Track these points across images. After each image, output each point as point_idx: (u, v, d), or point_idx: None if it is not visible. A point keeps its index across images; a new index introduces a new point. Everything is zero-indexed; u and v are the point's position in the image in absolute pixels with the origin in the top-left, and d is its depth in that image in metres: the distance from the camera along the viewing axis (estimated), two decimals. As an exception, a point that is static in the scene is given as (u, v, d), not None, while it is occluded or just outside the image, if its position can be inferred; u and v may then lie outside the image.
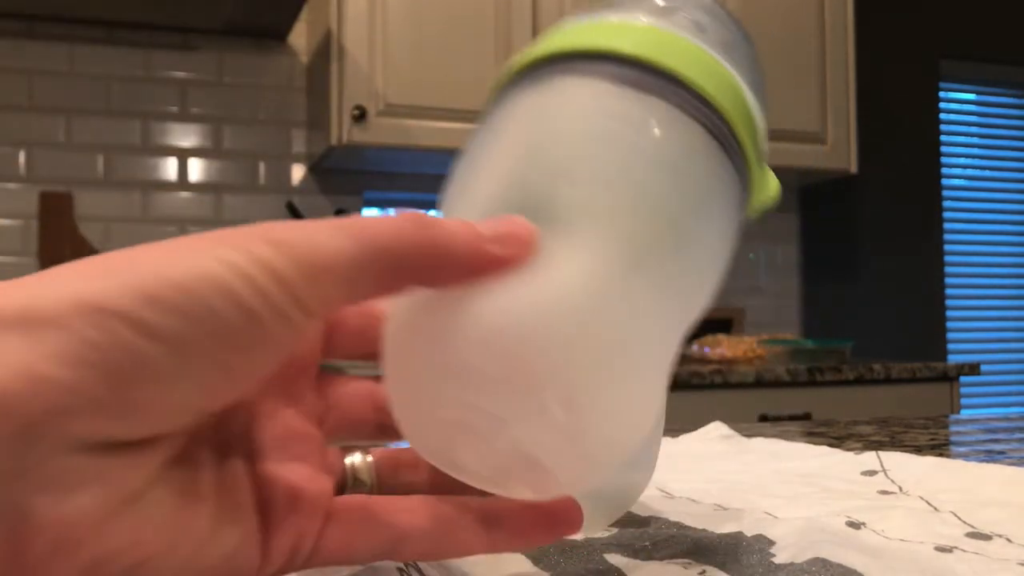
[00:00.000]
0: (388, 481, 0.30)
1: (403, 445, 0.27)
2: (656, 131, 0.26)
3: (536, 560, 0.34)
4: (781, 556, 0.34)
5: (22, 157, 2.08)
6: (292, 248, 0.20)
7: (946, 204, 3.05)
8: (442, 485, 0.28)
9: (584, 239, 0.23)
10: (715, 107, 0.27)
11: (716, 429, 0.69)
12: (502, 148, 0.26)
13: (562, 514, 0.28)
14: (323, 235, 0.21)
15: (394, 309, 0.24)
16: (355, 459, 0.30)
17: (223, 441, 0.24)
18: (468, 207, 0.26)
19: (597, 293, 0.23)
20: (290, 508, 0.24)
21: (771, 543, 0.36)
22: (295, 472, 0.25)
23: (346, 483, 0.29)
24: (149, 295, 0.18)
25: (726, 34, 0.31)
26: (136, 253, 0.20)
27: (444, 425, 0.24)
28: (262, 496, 0.24)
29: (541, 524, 0.27)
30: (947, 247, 3.04)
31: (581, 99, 0.26)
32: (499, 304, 0.22)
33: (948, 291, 3.03)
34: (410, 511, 0.26)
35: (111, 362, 0.18)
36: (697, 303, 0.27)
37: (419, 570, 0.30)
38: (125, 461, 0.19)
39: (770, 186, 0.31)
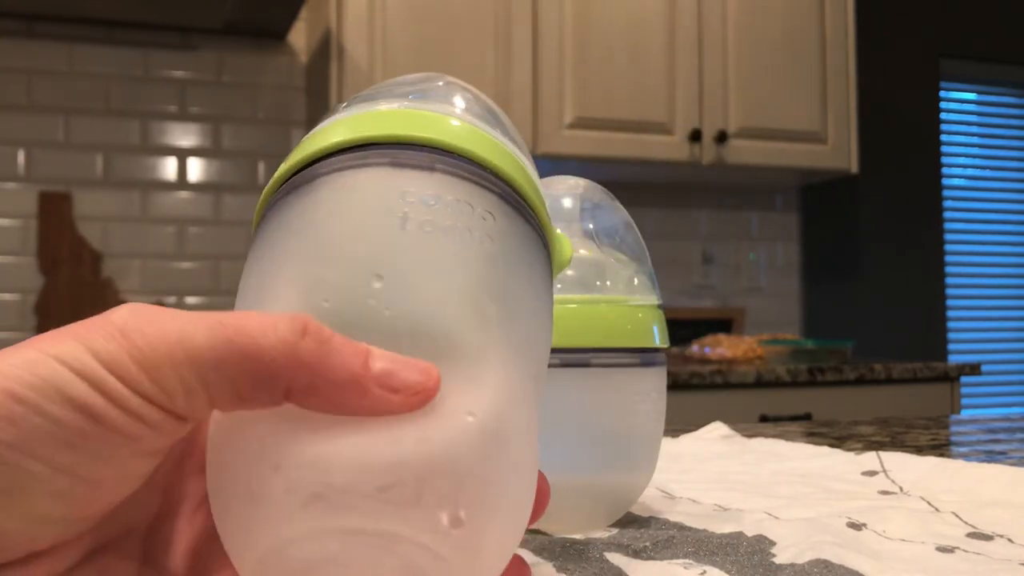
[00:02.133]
0: None
1: None
2: (482, 216, 0.24)
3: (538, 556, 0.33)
4: (782, 557, 0.34)
5: (21, 157, 2.08)
6: (137, 339, 0.19)
7: (946, 204, 3.05)
8: None
9: (465, 363, 0.21)
10: (508, 182, 0.26)
11: (716, 429, 0.69)
12: (302, 256, 0.23)
13: None
14: (185, 328, 0.19)
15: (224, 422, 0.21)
16: None
17: (145, 549, 0.23)
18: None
19: (502, 423, 0.21)
20: None
21: (772, 543, 0.36)
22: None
23: None
24: None
25: (480, 108, 0.29)
26: None
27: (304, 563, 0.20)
28: None
29: None
30: (947, 247, 3.04)
31: (373, 192, 0.24)
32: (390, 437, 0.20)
33: (948, 291, 3.03)
34: None
35: None
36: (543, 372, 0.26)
37: None
38: None
39: (565, 248, 0.29)
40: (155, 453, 0.20)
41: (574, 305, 0.38)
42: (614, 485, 0.40)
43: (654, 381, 0.40)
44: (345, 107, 0.28)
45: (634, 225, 0.42)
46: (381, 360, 0.20)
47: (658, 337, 0.40)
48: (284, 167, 0.25)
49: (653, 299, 0.41)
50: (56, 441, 0.18)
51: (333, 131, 0.25)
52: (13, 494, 0.18)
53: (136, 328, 0.19)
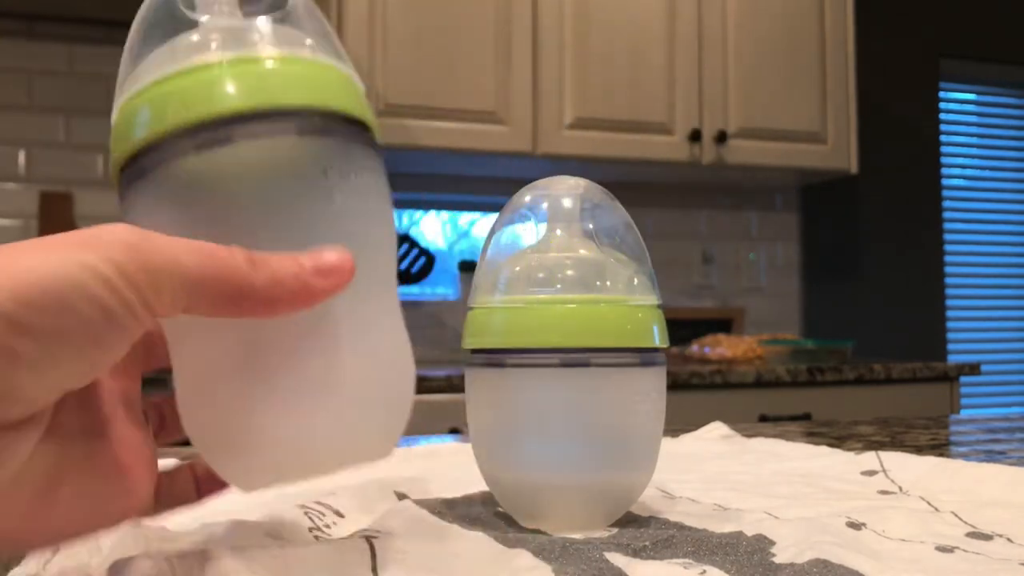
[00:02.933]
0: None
1: None
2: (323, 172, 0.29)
3: (536, 556, 0.33)
4: (781, 556, 0.34)
5: (22, 157, 2.08)
6: (144, 254, 0.24)
7: (946, 204, 3.05)
8: None
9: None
10: (331, 112, 0.29)
11: (716, 429, 0.69)
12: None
13: None
14: (177, 249, 0.25)
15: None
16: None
17: (85, 415, 0.28)
18: None
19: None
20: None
21: (771, 543, 0.36)
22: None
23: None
24: (24, 299, 0.22)
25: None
26: (10, 253, 0.23)
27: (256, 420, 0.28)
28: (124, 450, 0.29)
29: None
30: (947, 247, 3.04)
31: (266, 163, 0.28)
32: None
33: (948, 291, 3.03)
34: None
35: None
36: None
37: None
38: (7, 441, 0.23)
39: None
40: (132, 342, 0.25)
41: (574, 305, 0.38)
42: (614, 485, 0.40)
43: (654, 381, 0.40)
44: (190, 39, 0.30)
45: (634, 225, 0.42)
46: (304, 257, 0.27)
47: (658, 337, 0.40)
48: (182, 118, 0.28)
49: (653, 299, 0.41)
50: (81, 333, 0.23)
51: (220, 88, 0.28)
52: (45, 370, 0.23)
53: (140, 246, 0.24)
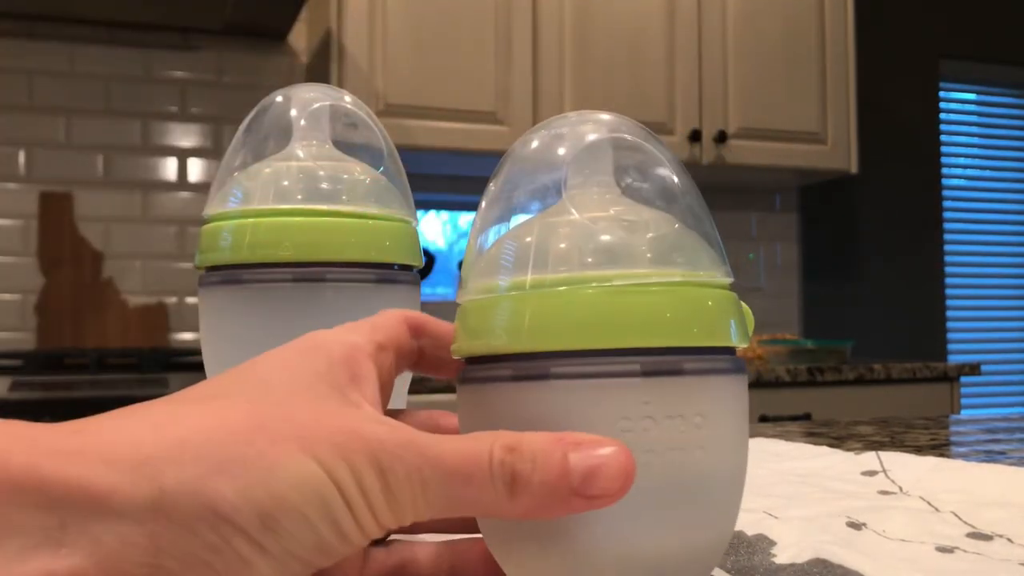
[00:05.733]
0: None
1: None
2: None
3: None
4: (782, 556, 0.34)
5: (22, 157, 2.08)
6: (391, 479, 0.22)
7: (946, 204, 3.05)
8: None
9: None
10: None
11: (716, 429, 0.69)
12: None
13: None
14: (423, 471, 0.22)
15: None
16: None
17: None
18: None
19: None
20: None
21: (772, 543, 0.36)
22: None
23: None
24: (269, 516, 0.21)
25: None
26: (246, 441, 0.21)
27: None
28: None
29: None
30: (947, 247, 3.04)
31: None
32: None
33: (948, 291, 3.03)
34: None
35: (221, 564, 0.20)
36: None
37: None
38: None
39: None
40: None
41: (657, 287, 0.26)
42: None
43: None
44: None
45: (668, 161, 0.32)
46: (576, 455, 0.23)
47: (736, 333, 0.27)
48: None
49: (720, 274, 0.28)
50: (314, 547, 0.21)
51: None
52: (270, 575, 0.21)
53: (391, 467, 0.22)
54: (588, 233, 0.27)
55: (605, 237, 0.27)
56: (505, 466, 0.22)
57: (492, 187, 0.29)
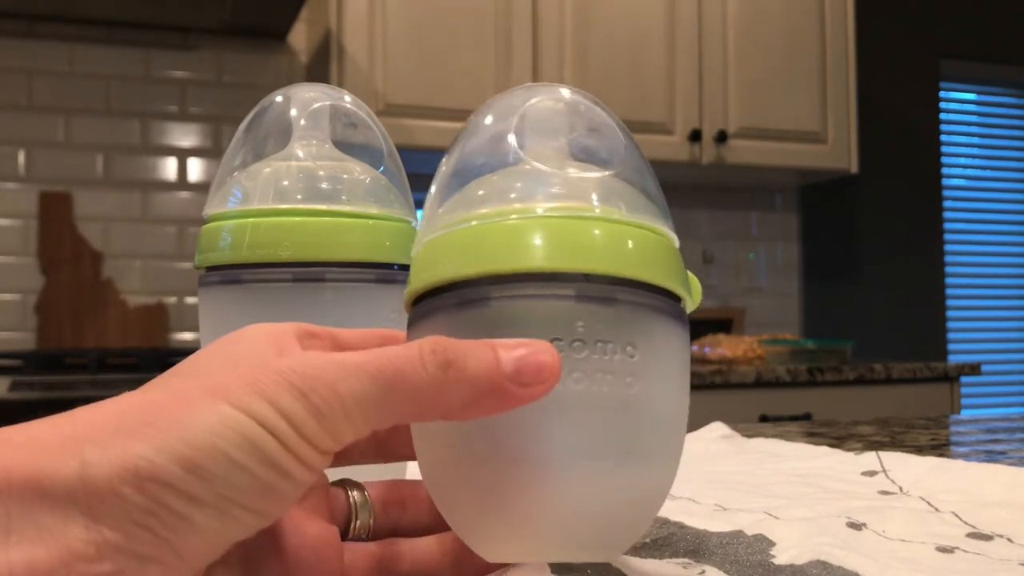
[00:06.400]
0: (391, 515, 0.31)
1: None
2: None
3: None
4: (781, 557, 0.34)
5: (22, 157, 2.08)
6: (315, 399, 0.22)
7: (946, 204, 3.05)
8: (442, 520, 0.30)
9: None
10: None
11: (716, 429, 0.69)
12: None
13: None
14: (347, 381, 0.22)
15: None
16: (355, 496, 0.30)
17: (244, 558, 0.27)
18: None
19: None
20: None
21: (771, 544, 0.36)
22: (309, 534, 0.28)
23: (350, 521, 0.30)
24: (190, 463, 0.20)
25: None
26: (161, 406, 0.21)
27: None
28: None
29: None
30: (947, 247, 3.04)
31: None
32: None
33: (948, 291, 3.03)
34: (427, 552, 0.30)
35: (159, 525, 0.20)
36: None
37: None
38: None
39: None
40: (307, 484, 0.23)
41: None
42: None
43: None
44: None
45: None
46: (506, 352, 0.24)
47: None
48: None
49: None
50: (252, 490, 0.21)
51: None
52: (217, 530, 0.21)
53: (311, 387, 0.22)
54: (539, 180, 0.28)
55: (555, 183, 0.28)
56: (437, 354, 0.23)
57: (446, 162, 0.32)
